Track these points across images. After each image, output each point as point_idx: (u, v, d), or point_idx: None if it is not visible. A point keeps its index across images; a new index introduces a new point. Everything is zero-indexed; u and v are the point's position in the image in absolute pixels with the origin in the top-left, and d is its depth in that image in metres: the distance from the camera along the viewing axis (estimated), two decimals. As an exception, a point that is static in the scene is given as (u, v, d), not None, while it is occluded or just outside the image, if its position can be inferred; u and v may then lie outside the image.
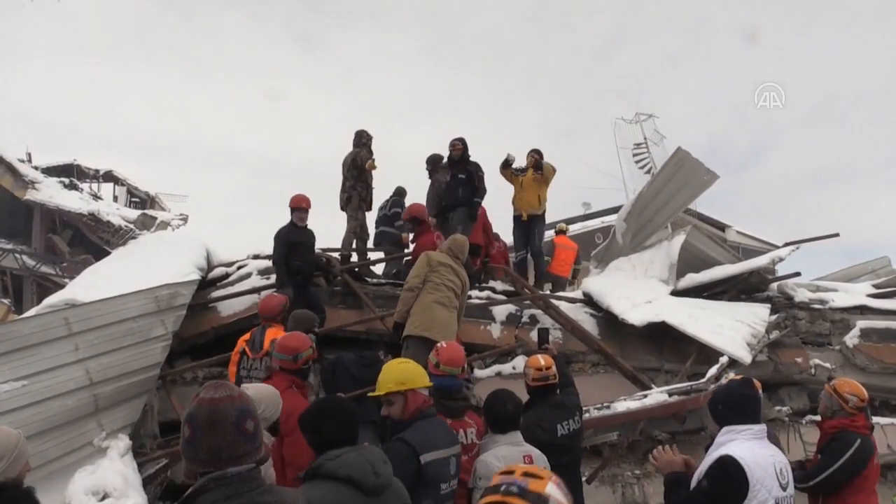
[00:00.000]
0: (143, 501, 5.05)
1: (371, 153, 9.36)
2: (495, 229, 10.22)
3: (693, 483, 3.40)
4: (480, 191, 9.18)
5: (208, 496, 1.89)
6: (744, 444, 3.29)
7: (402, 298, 6.23)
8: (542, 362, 4.78)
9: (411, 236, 9.12)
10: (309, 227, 7.62)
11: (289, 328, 5.67)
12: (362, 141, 9.34)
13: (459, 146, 9.29)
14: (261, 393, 3.80)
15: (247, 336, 6.03)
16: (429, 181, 10.10)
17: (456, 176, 9.24)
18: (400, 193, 11.14)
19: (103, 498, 4.93)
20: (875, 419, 5.02)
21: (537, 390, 4.72)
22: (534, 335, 7.87)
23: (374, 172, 9.21)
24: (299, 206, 7.53)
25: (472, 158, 9.33)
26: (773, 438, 4.46)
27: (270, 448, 3.42)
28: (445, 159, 9.67)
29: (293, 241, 7.38)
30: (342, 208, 9.30)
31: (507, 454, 3.77)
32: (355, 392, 5.06)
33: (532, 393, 4.78)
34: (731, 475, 3.19)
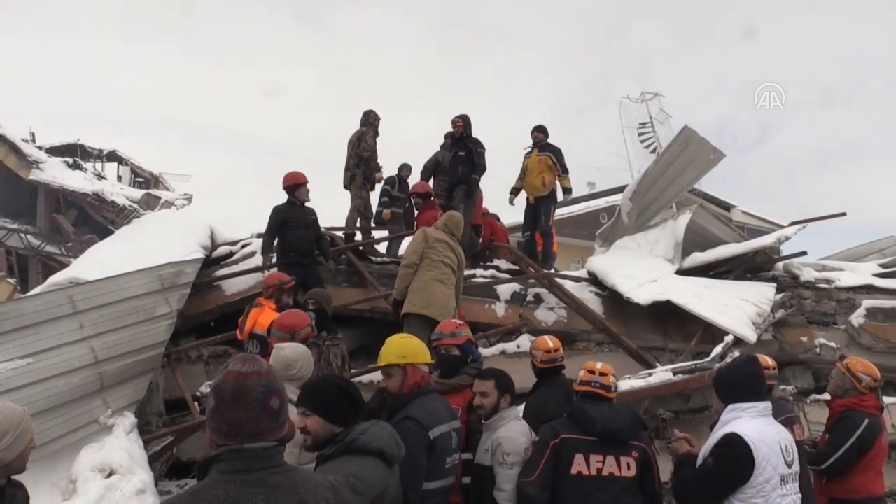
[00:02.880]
0: (149, 478, 5.08)
1: (377, 133, 9.33)
2: (500, 210, 10.22)
3: (699, 461, 3.40)
4: (479, 168, 9.13)
5: (220, 466, 1.89)
6: (749, 422, 3.28)
7: (401, 275, 6.18)
8: (551, 344, 4.79)
9: (415, 213, 9.15)
10: (307, 205, 7.55)
11: (304, 304, 5.71)
12: (369, 120, 9.31)
13: (461, 123, 9.23)
14: (297, 353, 3.81)
15: (241, 318, 6.01)
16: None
17: (457, 153, 9.21)
18: (403, 168, 11.03)
19: (109, 475, 4.96)
20: (880, 398, 4.99)
21: (545, 372, 4.73)
22: (539, 314, 7.89)
23: (379, 150, 9.16)
24: (295, 183, 7.38)
25: (474, 136, 9.28)
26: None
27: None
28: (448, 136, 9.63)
29: (285, 219, 7.32)
30: (346, 187, 9.28)
31: (523, 429, 3.86)
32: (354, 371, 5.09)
33: (540, 374, 4.80)
34: (736, 453, 3.18)
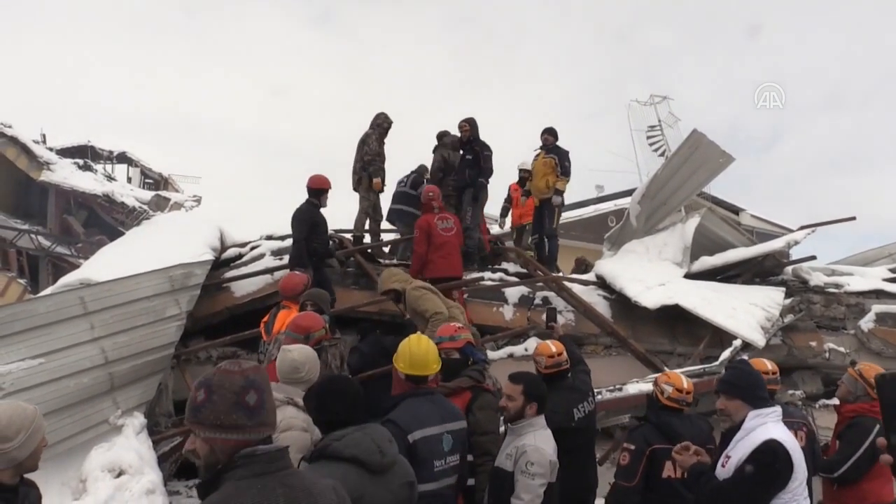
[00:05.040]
0: (158, 479, 5.11)
1: (385, 134, 9.31)
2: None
3: (730, 469, 3.29)
4: (485, 171, 9.12)
5: (237, 472, 1.86)
6: (778, 426, 3.26)
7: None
8: (553, 349, 4.77)
9: None
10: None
11: (302, 305, 5.71)
12: (377, 122, 9.29)
13: (467, 128, 9.20)
14: (304, 355, 3.81)
15: (266, 318, 6.05)
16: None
17: (464, 157, 9.22)
18: (421, 172, 10.98)
19: (119, 475, 5.00)
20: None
21: (550, 377, 4.71)
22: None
23: (392, 150, 9.16)
24: (325, 188, 7.34)
25: (481, 139, 9.28)
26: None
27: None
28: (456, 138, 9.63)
29: (316, 222, 7.24)
30: (354, 189, 9.28)
31: (549, 439, 3.84)
32: (364, 374, 5.11)
33: (544, 380, 4.78)
34: (780, 460, 3.15)
